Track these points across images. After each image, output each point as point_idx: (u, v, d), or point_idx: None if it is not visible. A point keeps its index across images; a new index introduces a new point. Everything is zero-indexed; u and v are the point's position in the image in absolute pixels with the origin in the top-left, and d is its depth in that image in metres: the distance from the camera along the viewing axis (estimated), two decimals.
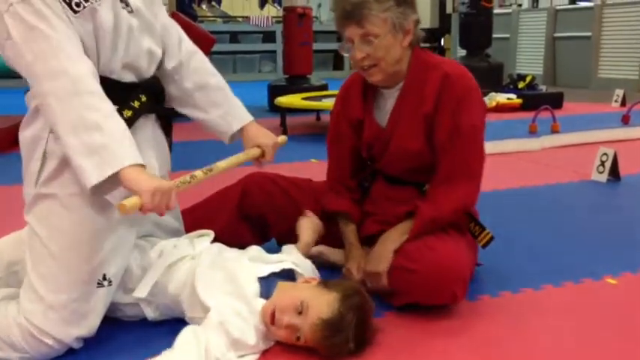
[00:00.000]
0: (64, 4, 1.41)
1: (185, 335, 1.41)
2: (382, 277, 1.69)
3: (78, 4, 1.42)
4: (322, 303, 1.45)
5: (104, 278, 1.51)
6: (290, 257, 1.72)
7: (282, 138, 1.83)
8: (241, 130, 1.78)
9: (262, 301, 1.52)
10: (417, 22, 1.75)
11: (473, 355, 1.50)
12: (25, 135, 1.52)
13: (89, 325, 1.50)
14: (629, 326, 1.65)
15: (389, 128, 1.82)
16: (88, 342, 1.53)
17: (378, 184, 1.92)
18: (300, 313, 1.45)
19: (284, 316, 1.45)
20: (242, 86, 8.26)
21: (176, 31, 1.73)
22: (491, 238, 1.83)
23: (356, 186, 1.95)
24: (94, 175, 1.33)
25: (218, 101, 1.75)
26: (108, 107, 1.39)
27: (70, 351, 1.51)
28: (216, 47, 8.39)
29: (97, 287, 1.50)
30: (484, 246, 1.85)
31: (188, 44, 1.76)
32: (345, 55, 1.76)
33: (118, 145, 1.34)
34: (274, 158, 1.79)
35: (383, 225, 1.81)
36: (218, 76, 1.79)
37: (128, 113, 1.54)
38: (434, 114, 1.73)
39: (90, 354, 1.51)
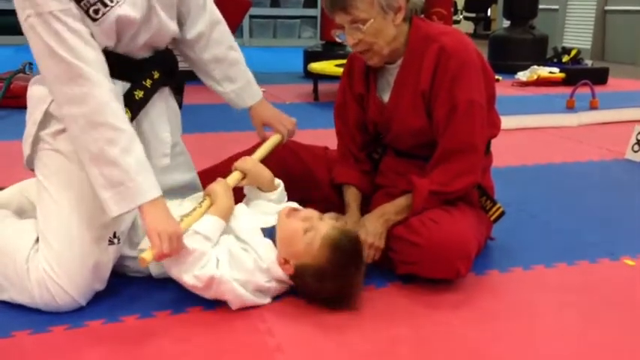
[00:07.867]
0: (82, 12, 1.38)
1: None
2: (381, 240, 1.68)
3: (97, 11, 1.40)
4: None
5: (114, 236, 1.53)
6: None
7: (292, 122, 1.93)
8: (251, 107, 1.85)
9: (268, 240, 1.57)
10: None
11: (473, 329, 1.49)
12: (32, 90, 1.55)
13: (101, 278, 1.53)
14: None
15: (391, 105, 1.78)
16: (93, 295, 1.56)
17: (388, 158, 1.89)
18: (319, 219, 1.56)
19: (304, 212, 1.58)
20: (281, 51, 8.29)
21: None
22: (502, 213, 1.79)
23: (365, 157, 1.93)
24: (114, 208, 1.40)
25: (233, 76, 1.80)
26: (125, 138, 1.39)
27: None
28: (256, 11, 8.40)
29: (109, 245, 1.52)
30: (495, 221, 1.81)
31: (212, 14, 1.75)
32: (339, 40, 1.73)
33: (133, 184, 1.39)
34: (298, 126, 1.94)
35: (393, 198, 1.78)
36: (236, 49, 1.83)
37: (139, 94, 1.56)
38: (430, 90, 1.68)
39: (94, 307, 1.53)
